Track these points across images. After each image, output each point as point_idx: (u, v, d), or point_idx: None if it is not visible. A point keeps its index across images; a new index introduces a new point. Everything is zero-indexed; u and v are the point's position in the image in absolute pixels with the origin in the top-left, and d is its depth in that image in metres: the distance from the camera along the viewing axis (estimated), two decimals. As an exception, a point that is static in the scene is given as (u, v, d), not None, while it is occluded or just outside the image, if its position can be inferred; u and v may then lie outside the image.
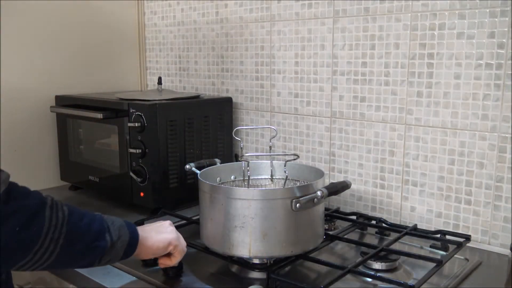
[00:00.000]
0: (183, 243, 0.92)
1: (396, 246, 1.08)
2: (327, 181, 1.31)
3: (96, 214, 0.80)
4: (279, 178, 1.13)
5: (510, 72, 1.03)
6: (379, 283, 0.93)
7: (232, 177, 1.12)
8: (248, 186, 1.03)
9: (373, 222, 1.20)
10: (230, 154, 1.47)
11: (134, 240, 0.83)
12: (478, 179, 1.10)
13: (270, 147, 1.14)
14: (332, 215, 1.24)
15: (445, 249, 1.06)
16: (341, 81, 1.29)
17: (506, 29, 1.02)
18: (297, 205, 0.90)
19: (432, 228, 1.18)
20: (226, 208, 0.91)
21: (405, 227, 1.14)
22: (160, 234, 0.88)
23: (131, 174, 1.30)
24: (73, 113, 1.42)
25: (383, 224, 1.18)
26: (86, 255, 0.77)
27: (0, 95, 1.44)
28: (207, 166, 1.08)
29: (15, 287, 1.00)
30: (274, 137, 1.04)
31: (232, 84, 1.56)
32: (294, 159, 1.01)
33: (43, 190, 0.85)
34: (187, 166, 1.10)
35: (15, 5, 1.45)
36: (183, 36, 1.69)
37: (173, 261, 0.91)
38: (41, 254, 0.70)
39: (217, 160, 1.12)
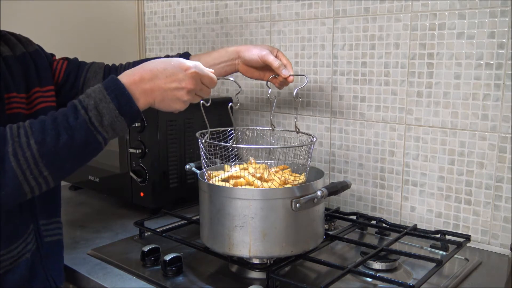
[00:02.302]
0: (206, 82, 0.82)
1: (396, 246, 1.08)
2: (327, 181, 1.31)
3: (68, 110, 0.72)
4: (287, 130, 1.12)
5: (510, 72, 1.03)
6: (379, 283, 0.93)
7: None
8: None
9: (373, 222, 1.20)
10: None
11: (133, 119, 0.76)
12: (478, 179, 1.10)
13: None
14: (332, 215, 1.24)
15: (445, 249, 1.06)
16: (341, 81, 1.29)
17: (506, 29, 1.02)
18: (297, 205, 0.90)
19: (432, 228, 1.18)
20: (226, 208, 0.91)
21: (405, 227, 1.14)
22: (169, 105, 0.80)
23: (131, 174, 1.30)
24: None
25: (383, 224, 1.18)
26: (85, 161, 0.76)
27: (0, 95, 1.44)
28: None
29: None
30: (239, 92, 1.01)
31: (232, 84, 1.56)
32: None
33: (43, 190, 0.85)
34: (187, 166, 1.09)
35: (15, 5, 1.45)
36: (183, 36, 1.69)
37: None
38: (33, 185, 0.70)
39: (217, 160, 1.12)
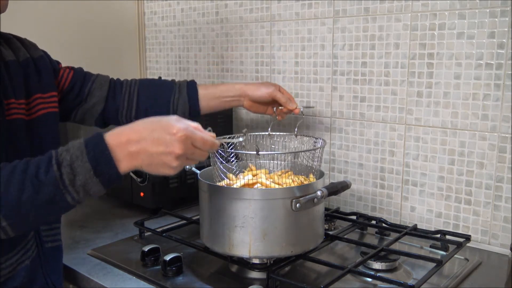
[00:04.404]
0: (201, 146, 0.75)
1: (396, 246, 1.08)
2: (327, 181, 1.31)
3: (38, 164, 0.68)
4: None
5: (510, 72, 1.03)
6: (379, 283, 0.93)
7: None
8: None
9: (373, 222, 1.20)
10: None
11: (110, 182, 0.70)
12: (478, 179, 1.10)
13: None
14: (332, 215, 1.24)
15: (445, 249, 1.06)
16: (341, 81, 1.29)
17: (506, 29, 1.02)
18: (297, 205, 0.90)
19: (432, 228, 1.18)
20: (226, 208, 0.91)
21: (405, 227, 1.14)
22: (157, 170, 0.73)
23: (131, 174, 1.30)
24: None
25: (383, 224, 1.18)
26: (52, 217, 0.73)
27: (0, 95, 1.44)
28: (207, 166, 1.08)
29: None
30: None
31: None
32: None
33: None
34: (187, 166, 1.09)
35: (15, 5, 1.45)
36: (183, 36, 1.69)
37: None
38: None
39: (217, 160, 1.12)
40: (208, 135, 0.75)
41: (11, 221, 0.67)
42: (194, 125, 0.75)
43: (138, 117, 1.08)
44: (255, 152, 0.87)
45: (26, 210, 0.67)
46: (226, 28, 1.54)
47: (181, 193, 1.35)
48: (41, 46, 0.99)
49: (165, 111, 1.08)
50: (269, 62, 1.44)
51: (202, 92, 1.10)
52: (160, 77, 1.47)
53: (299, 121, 1.23)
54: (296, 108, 1.12)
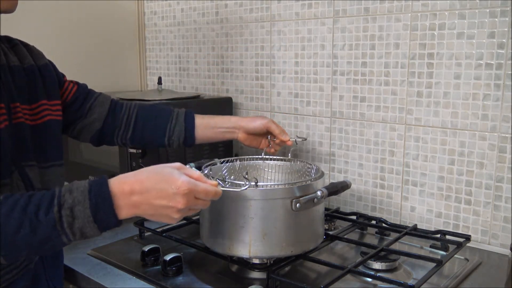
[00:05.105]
0: (200, 203, 0.76)
1: (396, 246, 1.08)
2: (327, 181, 1.31)
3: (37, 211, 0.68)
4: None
5: (510, 72, 1.03)
6: (379, 283, 0.93)
7: (232, 177, 1.12)
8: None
9: (373, 222, 1.20)
10: (230, 154, 1.47)
11: (108, 227, 0.72)
12: (478, 179, 1.10)
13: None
14: (332, 215, 1.24)
15: (445, 249, 1.06)
16: (341, 81, 1.29)
17: (506, 29, 1.02)
18: (297, 205, 0.90)
19: (432, 228, 1.18)
20: (226, 208, 0.91)
21: (405, 227, 1.14)
22: (158, 219, 0.75)
23: (131, 174, 1.29)
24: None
25: (383, 224, 1.18)
26: (44, 253, 0.75)
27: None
28: (207, 166, 1.08)
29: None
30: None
31: (232, 84, 1.56)
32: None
33: (43, 190, 0.85)
34: (187, 166, 1.09)
35: (15, 5, 1.45)
36: (183, 36, 1.69)
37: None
38: None
39: (217, 160, 1.12)
40: (210, 185, 0.76)
41: (5, 253, 0.69)
42: (196, 176, 0.76)
43: (133, 139, 1.10)
44: (254, 183, 0.88)
45: (21, 246, 0.69)
46: (226, 28, 1.54)
47: (181, 193, 1.35)
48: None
49: (161, 136, 1.10)
50: (269, 62, 1.44)
51: (198, 122, 1.13)
52: (160, 77, 1.48)
53: (292, 147, 1.25)
54: (289, 140, 1.15)
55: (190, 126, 1.11)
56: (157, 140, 1.11)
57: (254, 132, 1.14)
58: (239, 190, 0.83)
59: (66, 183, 0.83)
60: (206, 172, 1.01)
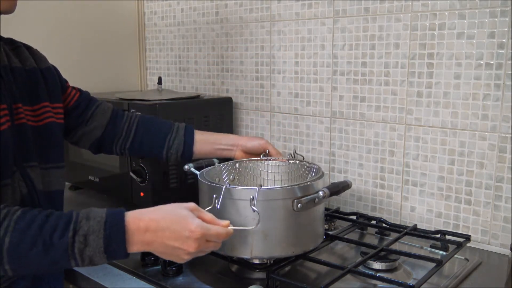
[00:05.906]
0: (205, 250, 0.79)
1: (396, 246, 1.08)
2: (327, 181, 1.31)
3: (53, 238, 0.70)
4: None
5: (510, 72, 1.03)
6: (379, 283, 0.93)
7: (232, 177, 1.12)
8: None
9: (373, 222, 1.20)
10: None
11: (115, 258, 0.75)
12: (478, 179, 1.10)
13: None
14: (332, 215, 1.24)
15: (445, 249, 1.06)
16: (341, 81, 1.29)
17: (506, 29, 1.02)
18: (299, 205, 0.90)
19: (432, 228, 1.18)
20: (226, 208, 0.91)
21: (405, 227, 1.14)
22: (168, 257, 0.78)
23: (131, 174, 1.30)
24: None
25: (383, 224, 1.18)
26: (50, 271, 0.78)
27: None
28: (206, 167, 1.08)
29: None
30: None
31: (232, 84, 1.56)
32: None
33: (43, 190, 0.85)
34: (186, 167, 1.09)
35: (15, 5, 1.45)
36: (183, 36, 1.69)
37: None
38: None
39: (215, 160, 1.12)
40: (222, 227, 0.78)
41: (13, 267, 0.70)
42: (209, 219, 0.78)
43: (132, 149, 1.11)
44: (256, 188, 0.88)
45: (31, 264, 0.71)
46: (226, 28, 1.54)
47: (181, 193, 1.35)
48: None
49: (160, 148, 1.11)
50: (269, 62, 1.44)
51: (197, 137, 1.14)
52: (160, 77, 1.48)
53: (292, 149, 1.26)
54: (286, 160, 1.16)
55: (189, 140, 1.12)
56: (156, 151, 1.12)
57: (251, 151, 1.16)
58: (250, 228, 0.87)
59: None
60: (205, 173, 1.01)
